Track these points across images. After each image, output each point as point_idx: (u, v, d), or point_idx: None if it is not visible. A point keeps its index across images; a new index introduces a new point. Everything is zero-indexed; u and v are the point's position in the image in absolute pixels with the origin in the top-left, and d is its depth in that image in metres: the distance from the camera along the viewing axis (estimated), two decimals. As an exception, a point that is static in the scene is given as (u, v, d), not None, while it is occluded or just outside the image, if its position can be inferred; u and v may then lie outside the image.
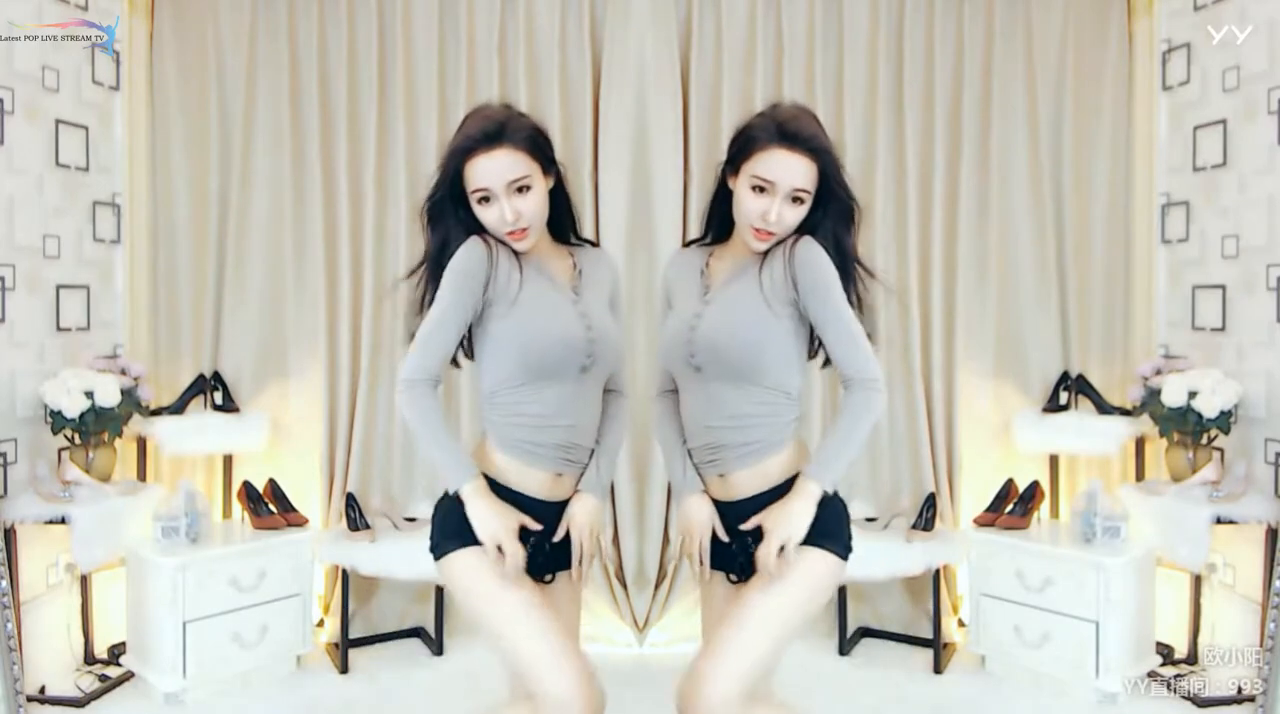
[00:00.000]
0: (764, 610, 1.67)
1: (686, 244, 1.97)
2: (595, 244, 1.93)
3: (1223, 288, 3.25)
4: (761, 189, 1.69)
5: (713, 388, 1.75)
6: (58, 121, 3.20)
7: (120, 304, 3.48)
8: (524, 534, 1.73)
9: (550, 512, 1.79)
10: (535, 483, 1.78)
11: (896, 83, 3.58)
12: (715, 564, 1.83)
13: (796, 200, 1.70)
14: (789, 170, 1.68)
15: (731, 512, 1.79)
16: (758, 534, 1.73)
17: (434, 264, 1.80)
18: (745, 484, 1.78)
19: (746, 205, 1.71)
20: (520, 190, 1.69)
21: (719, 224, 1.86)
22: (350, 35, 3.56)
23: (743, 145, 1.72)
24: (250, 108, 3.56)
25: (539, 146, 1.71)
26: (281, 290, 3.58)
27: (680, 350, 1.77)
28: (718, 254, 1.86)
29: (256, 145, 3.58)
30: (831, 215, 1.76)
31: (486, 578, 1.68)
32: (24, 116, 3.06)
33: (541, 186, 1.72)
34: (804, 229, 1.76)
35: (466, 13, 3.55)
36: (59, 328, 3.23)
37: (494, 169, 1.67)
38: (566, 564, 1.83)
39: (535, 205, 1.70)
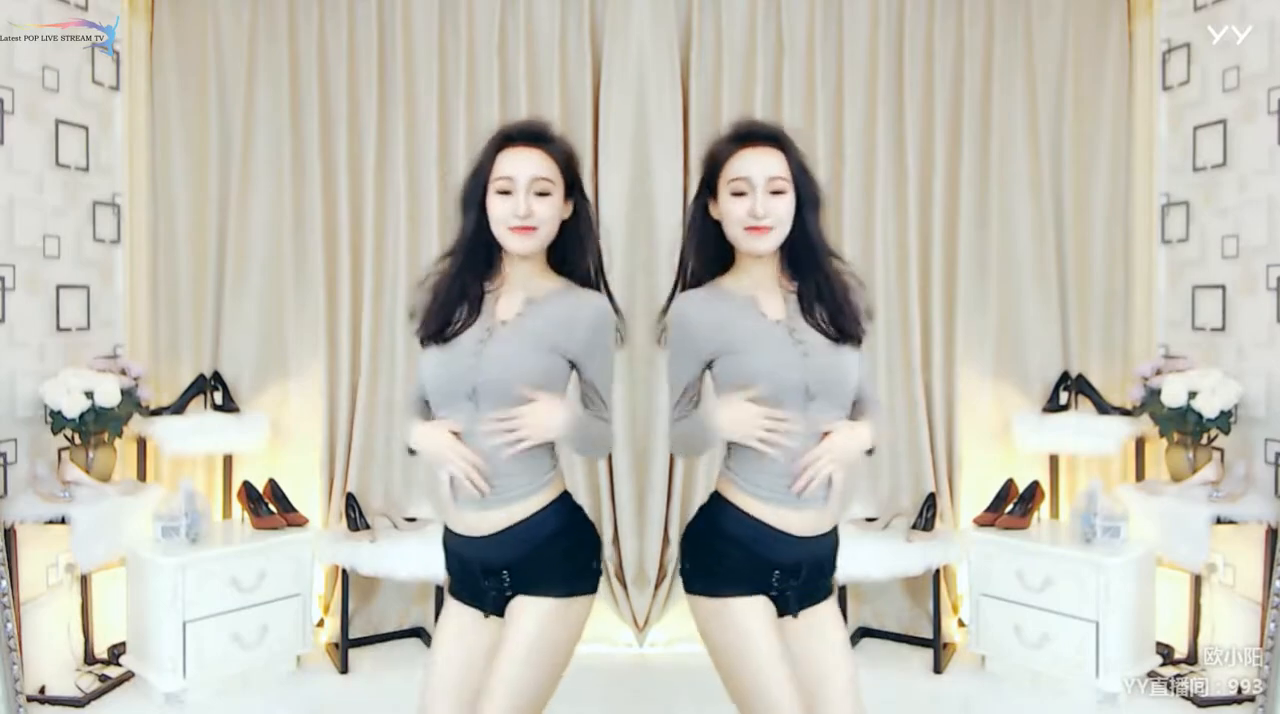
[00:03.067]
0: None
1: (681, 290, 1.86)
2: (595, 288, 1.82)
3: (1223, 288, 3.25)
4: (741, 192, 1.73)
5: (816, 418, 1.74)
6: (58, 121, 3.20)
7: (120, 304, 3.48)
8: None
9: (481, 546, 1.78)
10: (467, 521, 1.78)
11: (896, 83, 3.58)
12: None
13: (778, 193, 1.73)
14: (759, 163, 1.72)
15: (805, 547, 1.77)
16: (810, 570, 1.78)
17: (461, 248, 1.79)
18: (818, 523, 1.78)
19: (733, 212, 1.74)
20: (540, 194, 1.73)
21: (711, 258, 1.83)
22: (350, 36, 3.56)
23: (711, 166, 1.78)
24: (250, 108, 3.56)
25: (570, 167, 1.77)
26: (281, 290, 3.58)
27: (796, 382, 1.72)
28: (731, 287, 1.81)
29: (256, 145, 3.58)
30: (805, 205, 1.77)
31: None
32: (24, 116, 3.06)
33: (558, 202, 1.75)
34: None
35: (466, 13, 3.56)
36: (59, 328, 3.23)
37: (523, 163, 1.73)
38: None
39: (549, 212, 1.74)
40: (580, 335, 1.75)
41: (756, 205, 1.71)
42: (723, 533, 1.76)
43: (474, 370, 1.72)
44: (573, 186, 1.79)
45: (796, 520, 1.75)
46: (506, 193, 1.72)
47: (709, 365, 1.78)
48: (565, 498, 1.81)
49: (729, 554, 1.75)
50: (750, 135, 1.75)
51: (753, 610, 1.71)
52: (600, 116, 3.57)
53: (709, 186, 1.79)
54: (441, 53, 3.57)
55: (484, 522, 1.75)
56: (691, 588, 1.78)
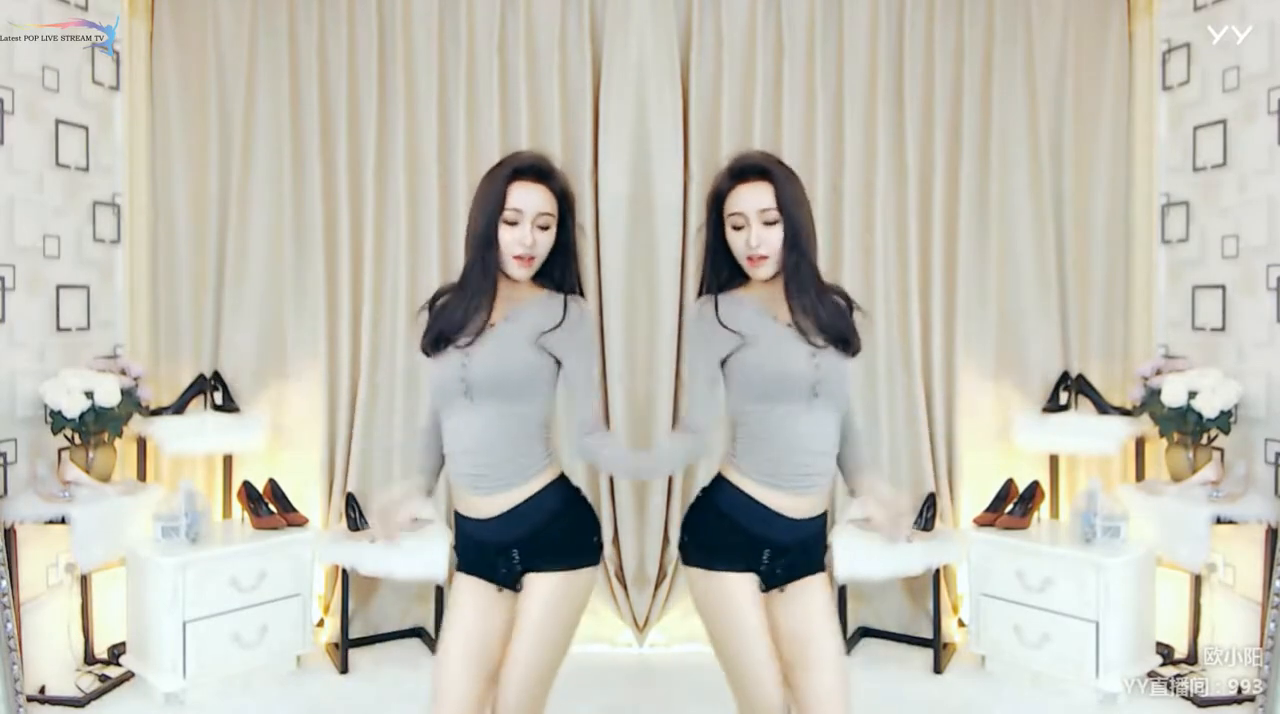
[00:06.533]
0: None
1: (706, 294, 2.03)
2: (580, 293, 1.99)
3: (1223, 288, 3.25)
4: (739, 226, 1.89)
5: (820, 416, 1.89)
6: (58, 121, 3.20)
7: (120, 304, 3.48)
8: None
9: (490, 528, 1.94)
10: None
11: (896, 83, 3.58)
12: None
13: (770, 223, 1.87)
14: (750, 198, 1.87)
15: (798, 529, 1.92)
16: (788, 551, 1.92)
17: (479, 276, 1.90)
18: (811, 507, 1.93)
19: (735, 244, 1.91)
20: (542, 227, 1.89)
21: (721, 273, 1.98)
22: (350, 35, 3.56)
23: (714, 204, 1.94)
24: (250, 108, 3.56)
25: (566, 202, 1.94)
26: (281, 290, 3.58)
27: (804, 379, 1.87)
28: (744, 296, 1.95)
29: (256, 145, 3.58)
30: (789, 236, 1.88)
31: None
32: (24, 116, 3.06)
33: (554, 233, 1.93)
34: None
35: (466, 13, 3.56)
36: (59, 328, 3.23)
37: (533, 198, 1.88)
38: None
39: (545, 244, 1.91)
40: (563, 331, 1.90)
41: (751, 237, 1.87)
42: (721, 511, 1.92)
43: (465, 368, 1.88)
44: (565, 218, 1.94)
45: (790, 504, 1.89)
46: (513, 223, 1.87)
47: (723, 362, 1.90)
48: (562, 480, 1.96)
49: (725, 531, 1.91)
50: (744, 171, 1.89)
51: (741, 586, 1.88)
52: (600, 116, 3.57)
53: (719, 219, 1.93)
54: (441, 53, 3.57)
55: (488, 505, 1.90)
56: (688, 560, 1.95)
